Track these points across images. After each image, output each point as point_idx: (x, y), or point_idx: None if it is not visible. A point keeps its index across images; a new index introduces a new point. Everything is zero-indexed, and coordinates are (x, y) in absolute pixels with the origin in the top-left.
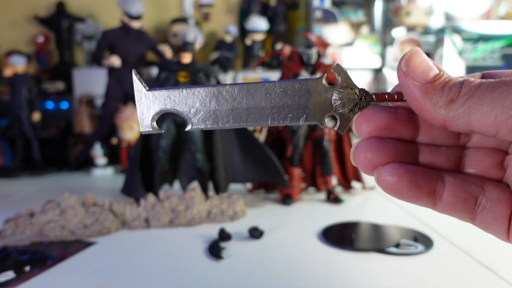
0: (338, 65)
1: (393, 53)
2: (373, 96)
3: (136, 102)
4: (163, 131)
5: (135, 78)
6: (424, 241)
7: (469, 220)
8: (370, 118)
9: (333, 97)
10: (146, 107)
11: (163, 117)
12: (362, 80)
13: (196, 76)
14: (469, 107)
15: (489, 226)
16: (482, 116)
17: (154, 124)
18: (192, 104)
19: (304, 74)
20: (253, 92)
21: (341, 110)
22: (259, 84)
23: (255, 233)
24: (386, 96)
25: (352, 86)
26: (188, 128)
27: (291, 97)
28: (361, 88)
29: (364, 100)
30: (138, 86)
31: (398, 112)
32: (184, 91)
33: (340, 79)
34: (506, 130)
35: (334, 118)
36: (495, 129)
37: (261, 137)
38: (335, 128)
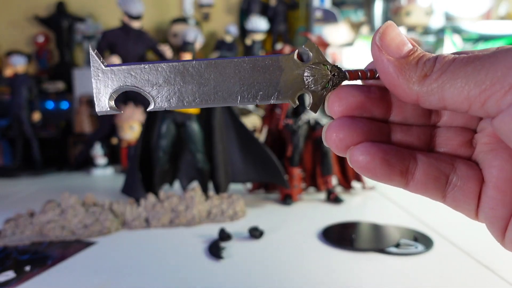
0: (309, 41)
1: None
2: (346, 73)
3: (92, 79)
4: (121, 111)
5: (91, 53)
6: (424, 241)
7: (440, 199)
8: (343, 97)
9: (305, 74)
10: (104, 84)
11: (163, 117)
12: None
13: None
14: (442, 82)
15: (459, 204)
16: (455, 91)
17: (112, 103)
18: (155, 81)
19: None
20: (221, 68)
21: (313, 87)
22: (228, 60)
23: (255, 233)
24: (359, 73)
25: (325, 62)
26: (151, 107)
27: (262, 74)
28: (334, 65)
29: (337, 76)
30: (95, 61)
31: (370, 90)
32: (146, 66)
33: (312, 55)
34: (479, 104)
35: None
36: (468, 104)
37: (261, 137)
38: (308, 107)
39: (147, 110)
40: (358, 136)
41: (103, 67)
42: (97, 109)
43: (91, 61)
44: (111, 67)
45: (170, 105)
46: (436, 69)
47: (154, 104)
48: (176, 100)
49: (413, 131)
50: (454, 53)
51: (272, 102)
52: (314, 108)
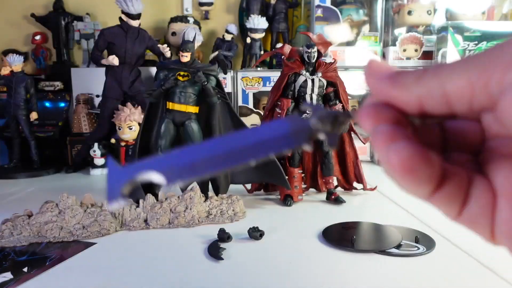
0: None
1: (395, 52)
2: (351, 113)
3: (107, 179)
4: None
5: (110, 162)
6: (425, 242)
7: (456, 214)
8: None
9: (312, 122)
10: (117, 181)
11: (162, 117)
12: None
13: (195, 75)
14: (438, 75)
15: (475, 220)
16: (455, 78)
17: (124, 194)
18: (170, 175)
19: (305, 73)
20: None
21: (322, 129)
22: (237, 135)
23: (255, 233)
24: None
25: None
26: (162, 187)
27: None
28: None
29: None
30: (112, 166)
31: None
32: (164, 168)
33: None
34: (481, 86)
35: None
36: (470, 89)
37: None
38: (325, 147)
39: (156, 193)
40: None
41: (120, 169)
42: (108, 202)
43: (108, 167)
44: (128, 171)
45: (183, 179)
46: (432, 67)
47: (168, 182)
48: (188, 174)
49: (430, 129)
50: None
51: (285, 152)
52: (332, 145)
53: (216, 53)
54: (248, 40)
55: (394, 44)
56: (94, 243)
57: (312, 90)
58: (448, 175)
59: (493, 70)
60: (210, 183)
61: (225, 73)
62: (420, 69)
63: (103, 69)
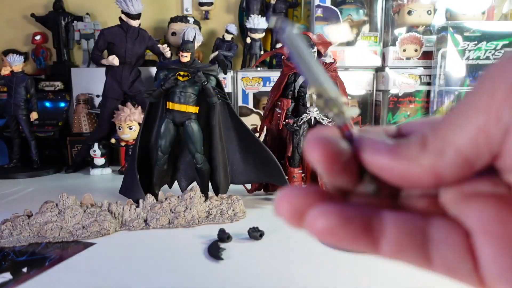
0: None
1: (395, 52)
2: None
3: None
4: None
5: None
6: None
7: (426, 263)
8: (290, 199)
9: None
10: None
11: (162, 117)
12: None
13: (195, 75)
14: (444, 135)
15: (452, 264)
16: (463, 132)
17: None
18: None
19: None
20: None
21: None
22: None
23: (255, 234)
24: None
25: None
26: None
27: None
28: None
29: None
30: None
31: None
32: None
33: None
34: (495, 119)
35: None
36: (483, 133)
37: (261, 137)
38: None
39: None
40: (313, 199)
41: None
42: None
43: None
44: None
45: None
46: (428, 133)
47: None
48: None
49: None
50: (396, 131)
51: None
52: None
53: (216, 53)
54: (248, 40)
55: (394, 44)
56: (94, 243)
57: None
58: (389, 220)
59: (500, 97)
60: (210, 183)
61: (225, 73)
62: (418, 135)
63: (103, 69)
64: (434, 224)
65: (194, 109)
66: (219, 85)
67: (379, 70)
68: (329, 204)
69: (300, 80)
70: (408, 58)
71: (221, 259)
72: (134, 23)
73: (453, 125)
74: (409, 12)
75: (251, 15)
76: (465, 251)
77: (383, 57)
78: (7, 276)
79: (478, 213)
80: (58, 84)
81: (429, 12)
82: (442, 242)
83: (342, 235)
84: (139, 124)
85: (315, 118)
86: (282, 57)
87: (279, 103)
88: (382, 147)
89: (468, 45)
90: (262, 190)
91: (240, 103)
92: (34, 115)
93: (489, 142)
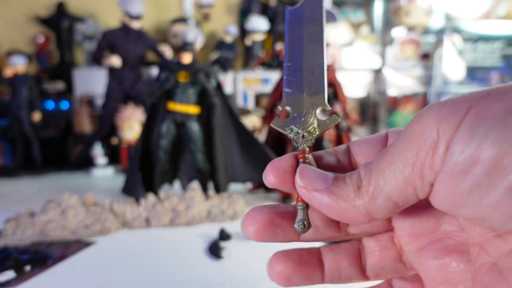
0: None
1: (393, 53)
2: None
3: None
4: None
5: None
6: None
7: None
8: (254, 217)
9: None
10: None
11: (163, 117)
12: (362, 81)
13: (196, 76)
14: (376, 182)
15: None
16: (393, 181)
17: None
18: None
19: None
20: None
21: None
22: None
23: None
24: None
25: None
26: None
27: None
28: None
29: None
30: None
31: (279, 207)
32: None
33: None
34: (419, 179)
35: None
36: (411, 186)
37: (261, 137)
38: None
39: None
40: (291, 265)
41: None
42: None
43: None
44: None
45: None
46: (363, 175)
47: None
48: None
49: (341, 247)
50: (384, 136)
51: None
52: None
53: (217, 54)
54: (249, 42)
55: (392, 45)
56: (96, 242)
57: None
58: (327, 257)
59: (421, 160)
60: (210, 182)
61: (226, 72)
62: (354, 177)
63: (105, 70)
64: (365, 244)
65: (195, 110)
66: (219, 86)
67: (377, 71)
68: (283, 253)
69: None
70: (406, 59)
71: (222, 257)
72: (136, 24)
73: (384, 174)
74: (407, 14)
75: (251, 16)
76: (394, 260)
77: (382, 58)
78: (11, 274)
79: (429, 268)
80: (61, 85)
81: (427, 13)
82: (373, 253)
83: (296, 276)
84: (141, 124)
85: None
86: (280, 58)
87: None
88: (321, 185)
89: (465, 46)
90: (262, 189)
91: (240, 104)
92: (36, 116)
93: (415, 193)
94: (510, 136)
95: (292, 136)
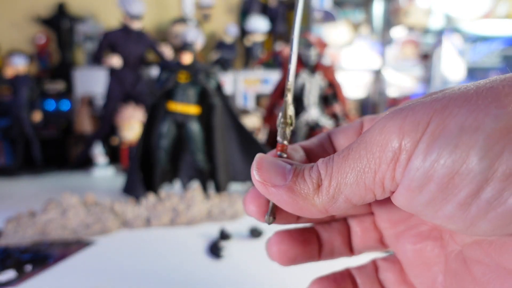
0: None
1: (393, 53)
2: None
3: None
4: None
5: None
6: None
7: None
8: (255, 198)
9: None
10: None
11: (163, 117)
12: (361, 81)
13: (196, 76)
14: (337, 184)
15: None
16: (353, 186)
17: None
18: None
19: (304, 75)
20: None
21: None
22: None
23: (255, 232)
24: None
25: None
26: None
27: None
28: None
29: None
30: None
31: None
32: None
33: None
34: (380, 189)
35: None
36: (371, 192)
37: (261, 137)
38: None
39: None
40: (295, 245)
41: None
42: None
43: None
44: None
45: None
46: (323, 175)
47: None
48: None
49: (333, 227)
50: (360, 124)
51: None
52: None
53: (217, 54)
54: (249, 42)
55: (392, 46)
56: (96, 242)
57: (311, 91)
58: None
59: (383, 171)
60: (211, 182)
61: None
62: (314, 173)
63: (106, 70)
64: (350, 225)
65: (195, 110)
66: (219, 86)
67: (377, 71)
68: (283, 232)
69: (299, 81)
70: (406, 59)
71: (222, 257)
72: (136, 25)
73: (345, 179)
74: (407, 14)
75: (251, 17)
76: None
77: (381, 59)
78: (11, 273)
79: (405, 252)
80: (61, 85)
81: (427, 14)
82: (356, 234)
83: (292, 252)
84: (141, 124)
85: (313, 119)
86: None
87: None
88: (280, 180)
89: (465, 46)
90: None
91: (240, 104)
92: (37, 116)
93: (375, 197)
94: (461, 156)
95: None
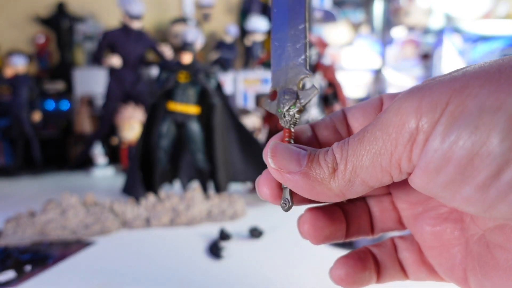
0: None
1: (393, 53)
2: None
3: None
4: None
5: None
6: None
7: (402, 276)
8: (268, 180)
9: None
10: None
11: (163, 117)
12: (362, 81)
13: (196, 76)
14: (353, 168)
15: (416, 270)
16: (369, 169)
17: None
18: None
19: None
20: None
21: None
22: None
23: (255, 232)
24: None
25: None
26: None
27: None
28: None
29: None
30: None
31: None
32: None
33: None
34: (397, 170)
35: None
36: (388, 174)
37: (261, 137)
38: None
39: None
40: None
41: None
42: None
43: None
44: None
45: None
46: (339, 159)
47: None
48: None
49: (357, 205)
50: (379, 102)
51: None
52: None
53: (217, 54)
54: (248, 42)
55: (392, 45)
56: (96, 242)
57: None
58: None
59: (399, 152)
60: (210, 182)
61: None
62: (329, 156)
63: (106, 70)
64: (369, 204)
65: (195, 110)
66: (219, 86)
67: (377, 71)
68: (313, 210)
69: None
70: (406, 59)
71: (222, 257)
72: (136, 25)
73: (361, 162)
74: (407, 14)
75: (251, 17)
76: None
77: (382, 58)
78: (11, 274)
79: (422, 233)
80: (61, 85)
81: (427, 13)
82: (374, 214)
83: (320, 225)
84: (141, 124)
85: (313, 118)
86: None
87: None
88: (295, 167)
89: (465, 46)
90: None
91: (240, 104)
92: (37, 116)
93: (392, 179)
94: (481, 137)
95: (278, 115)
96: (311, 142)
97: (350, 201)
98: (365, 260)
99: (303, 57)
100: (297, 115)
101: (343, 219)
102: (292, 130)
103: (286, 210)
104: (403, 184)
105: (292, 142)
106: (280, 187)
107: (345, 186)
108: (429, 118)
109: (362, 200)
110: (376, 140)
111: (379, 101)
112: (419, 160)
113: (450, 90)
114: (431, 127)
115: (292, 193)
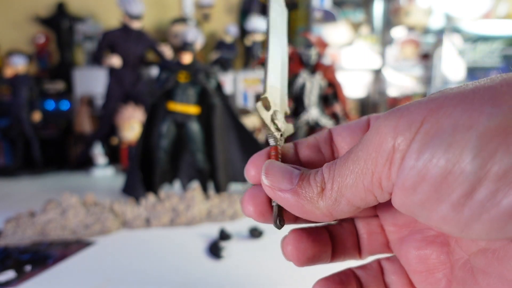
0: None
1: (393, 53)
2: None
3: None
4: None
5: None
6: None
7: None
8: (252, 198)
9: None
10: None
11: (163, 117)
12: (362, 81)
13: (196, 76)
14: (338, 187)
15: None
16: (353, 188)
17: None
18: None
19: (304, 75)
20: None
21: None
22: None
23: (255, 232)
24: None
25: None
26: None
27: None
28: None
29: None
30: None
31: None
32: None
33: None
34: (379, 189)
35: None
36: (371, 194)
37: (261, 137)
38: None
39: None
40: (311, 244)
41: None
42: None
43: None
44: None
45: None
46: (327, 178)
47: None
48: None
49: (344, 227)
50: (366, 121)
51: None
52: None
53: (217, 54)
54: (249, 42)
55: (392, 46)
56: (96, 242)
57: (311, 91)
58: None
59: (379, 171)
60: (210, 182)
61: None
62: (319, 176)
63: (106, 70)
64: (357, 227)
65: (195, 110)
66: (219, 86)
67: (377, 71)
68: (299, 231)
69: (299, 81)
70: (406, 59)
71: (222, 257)
72: (136, 24)
73: (345, 182)
74: (407, 14)
75: (251, 17)
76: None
77: (382, 58)
78: (11, 273)
79: (407, 257)
80: (61, 85)
81: (427, 14)
82: (362, 236)
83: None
84: (141, 124)
85: (313, 119)
86: None
87: None
88: (287, 185)
89: (465, 46)
90: None
91: (240, 104)
92: (37, 116)
93: (376, 199)
94: (454, 154)
95: (268, 133)
96: (293, 161)
97: (338, 223)
98: (347, 284)
99: (285, 98)
100: (277, 135)
101: (328, 241)
102: (279, 148)
103: (279, 228)
104: (389, 206)
105: (280, 159)
106: (266, 206)
107: (332, 206)
108: (405, 137)
109: (350, 222)
110: (359, 160)
111: (366, 122)
112: (396, 178)
113: (427, 109)
114: (407, 145)
115: (284, 211)
